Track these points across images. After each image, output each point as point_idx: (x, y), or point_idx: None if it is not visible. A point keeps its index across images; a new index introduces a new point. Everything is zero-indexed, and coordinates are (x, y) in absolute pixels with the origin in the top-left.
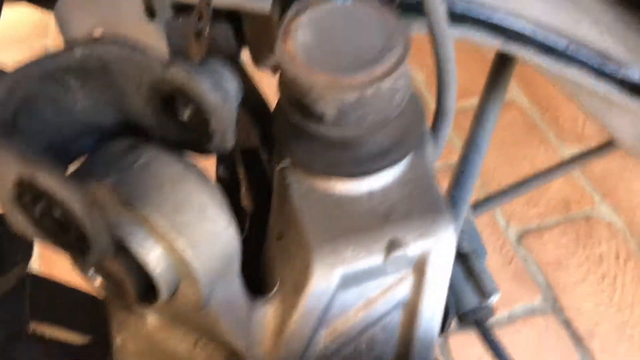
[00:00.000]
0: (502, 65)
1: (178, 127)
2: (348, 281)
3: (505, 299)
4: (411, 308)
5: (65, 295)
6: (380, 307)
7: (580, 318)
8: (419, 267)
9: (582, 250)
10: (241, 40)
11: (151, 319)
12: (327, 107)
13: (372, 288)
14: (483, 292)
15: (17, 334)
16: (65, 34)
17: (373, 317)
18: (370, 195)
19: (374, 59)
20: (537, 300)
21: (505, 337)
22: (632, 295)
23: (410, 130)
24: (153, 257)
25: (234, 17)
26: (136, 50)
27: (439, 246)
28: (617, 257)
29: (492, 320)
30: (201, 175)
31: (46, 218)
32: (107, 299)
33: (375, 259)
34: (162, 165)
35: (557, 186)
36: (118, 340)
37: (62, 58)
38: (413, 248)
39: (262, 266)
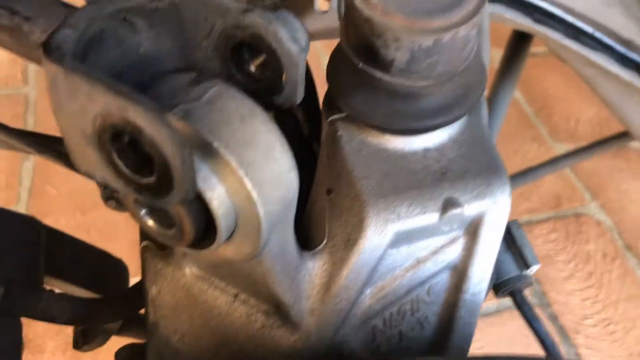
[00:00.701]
0: (516, 50)
1: (245, 78)
2: (400, 239)
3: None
4: (460, 271)
5: (80, 252)
6: (428, 268)
7: (566, 313)
8: (472, 229)
9: (570, 246)
10: None
11: (190, 270)
12: (399, 52)
13: (422, 248)
14: (524, 262)
15: (33, 284)
16: None
17: (420, 278)
18: (426, 152)
19: (452, 4)
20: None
21: (492, 328)
22: (617, 293)
23: (472, 88)
24: (217, 195)
25: None
26: None
27: (494, 208)
28: (605, 255)
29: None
30: (267, 115)
31: (123, 157)
32: (142, 248)
33: (430, 217)
34: (231, 100)
35: (549, 182)
36: (153, 290)
37: None
38: (469, 208)
39: (306, 221)
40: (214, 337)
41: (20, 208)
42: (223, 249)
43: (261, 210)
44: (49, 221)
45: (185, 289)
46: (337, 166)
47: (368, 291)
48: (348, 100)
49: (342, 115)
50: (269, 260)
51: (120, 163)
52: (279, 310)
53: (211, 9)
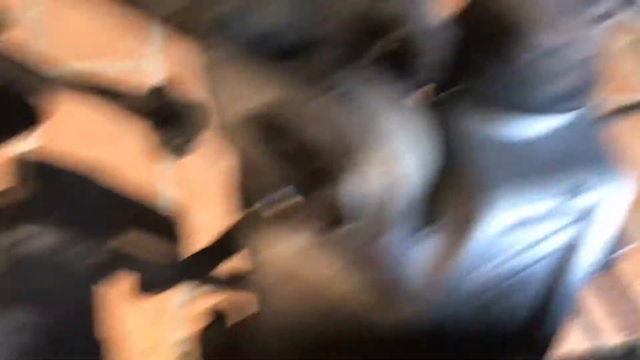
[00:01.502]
0: None
1: (378, 56)
2: (517, 224)
3: None
4: (566, 257)
5: None
6: (536, 253)
7: None
8: (590, 215)
9: None
10: None
11: (298, 242)
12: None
13: (535, 233)
14: None
15: None
16: None
17: (527, 262)
18: (548, 137)
19: None
20: None
21: None
22: None
23: (592, 76)
24: (368, 184)
25: None
26: None
27: (616, 194)
28: None
29: None
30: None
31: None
32: (244, 218)
33: (553, 203)
34: (369, 96)
35: None
36: (257, 260)
37: None
38: (594, 194)
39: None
40: (315, 313)
41: None
42: (352, 229)
43: (403, 196)
44: None
45: (290, 260)
46: (456, 147)
47: (479, 271)
48: (472, 80)
49: (457, 92)
50: (387, 241)
51: None
52: (383, 289)
53: None
